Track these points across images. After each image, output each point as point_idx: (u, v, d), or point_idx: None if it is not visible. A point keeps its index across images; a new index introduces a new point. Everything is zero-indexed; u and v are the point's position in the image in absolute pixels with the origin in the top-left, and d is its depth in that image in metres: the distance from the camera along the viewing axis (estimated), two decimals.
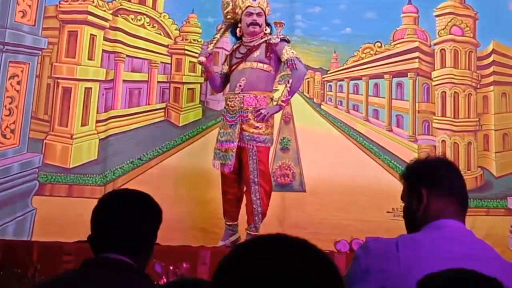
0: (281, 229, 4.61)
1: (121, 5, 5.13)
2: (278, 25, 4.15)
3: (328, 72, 5.43)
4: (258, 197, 3.89)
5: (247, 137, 3.88)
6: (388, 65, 5.41)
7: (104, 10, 5.07)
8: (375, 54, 5.41)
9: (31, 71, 4.85)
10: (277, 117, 5.24)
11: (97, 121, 4.92)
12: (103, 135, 4.90)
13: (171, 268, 3.45)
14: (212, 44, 4.13)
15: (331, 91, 5.46)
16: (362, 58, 5.41)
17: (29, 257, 3.49)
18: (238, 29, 4.05)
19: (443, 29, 5.48)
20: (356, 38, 5.37)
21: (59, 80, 4.93)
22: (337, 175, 4.97)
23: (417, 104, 5.36)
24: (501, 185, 5.24)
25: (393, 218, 4.64)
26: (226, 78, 4.14)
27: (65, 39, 4.98)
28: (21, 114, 4.78)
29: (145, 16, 5.21)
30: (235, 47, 4.09)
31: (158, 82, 5.19)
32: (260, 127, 3.90)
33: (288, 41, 4.09)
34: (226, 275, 0.88)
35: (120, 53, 5.07)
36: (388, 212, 4.76)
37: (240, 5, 4.00)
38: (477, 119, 5.38)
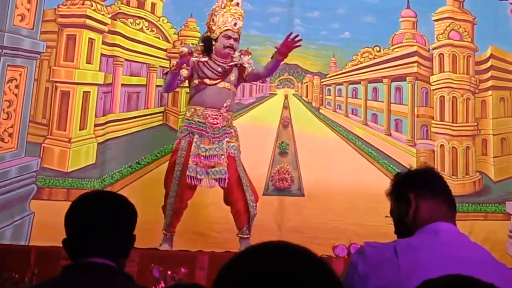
0: (279, 233, 4.61)
1: (119, 9, 5.14)
2: (246, 53, 4.35)
3: (327, 76, 5.44)
4: (253, 200, 3.97)
5: (233, 147, 4.03)
6: (387, 69, 5.42)
7: (103, 14, 5.08)
8: (374, 58, 5.41)
9: (29, 75, 4.85)
10: (276, 120, 5.26)
11: (95, 125, 4.91)
12: (101, 139, 4.90)
13: (169, 273, 3.44)
14: (195, 48, 4.13)
15: (329, 95, 5.46)
16: (361, 62, 5.42)
17: (27, 262, 3.47)
18: (213, 47, 4.08)
19: (441, 34, 5.49)
20: (355, 42, 5.38)
21: (57, 84, 4.93)
22: (336, 179, 4.97)
23: (415, 109, 5.36)
24: (499, 190, 5.23)
25: (391, 222, 4.61)
26: (184, 81, 4.16)
27: (64, 42, 4.98)
28: (19, 118, 4.77)
29: (143, 20, 5.22)
30: (203, 59, 4.07)
31: (157, 86, 5.18)
32: (237, 139, 4.10)
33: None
34: (226, 283, 0.87)
35: (119, 57, 5.07)
36: (386, 216, 4.72)
37: (219, 24, 4.06)
38: (476, 123, 5.38)
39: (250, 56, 4.35)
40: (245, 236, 3.93)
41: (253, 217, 3.96)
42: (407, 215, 1.68)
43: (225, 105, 4.03)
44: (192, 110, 4.04)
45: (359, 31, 5.36)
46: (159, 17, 5.27)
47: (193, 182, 3.91)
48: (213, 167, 3.93)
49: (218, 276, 0.89)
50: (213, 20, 4.11)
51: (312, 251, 0.91)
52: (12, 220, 4.57)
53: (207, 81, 4.04)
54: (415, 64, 5.42)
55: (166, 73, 4.13)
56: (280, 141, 5.21)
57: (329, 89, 5.46)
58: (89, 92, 4.95)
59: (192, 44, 4.43)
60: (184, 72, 4.04)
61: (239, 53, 4.22)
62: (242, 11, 4.16)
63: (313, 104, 5.44)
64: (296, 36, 3.92)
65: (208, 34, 4.12)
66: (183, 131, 4.05)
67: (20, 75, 4.82)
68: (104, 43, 5.05)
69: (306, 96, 5.44)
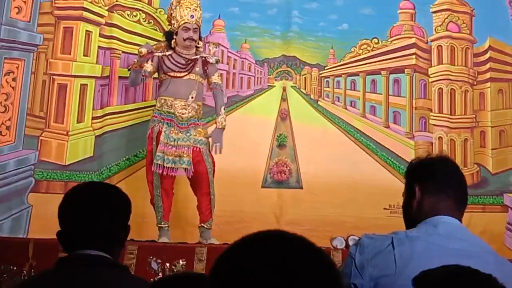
0: (277, 225, 4.61)
1: (116, 1, 5.11)
2: (213, 45, 4.54)
3: (325, 68, 5.42)
4: (214, 193, 4.19)
5: (200, 142, 4.18)
6: (385, 61, 5.41)
7: (100, 6, 5.05)
8: (372, 50, 5.40)
9: (27, 68, 4.83)
10: (274, 112, 5.25)
11: (93, 118, 4.90)
12: (99, 132, 4.89)
13: (168, 265, 3.44)
14: (157, 46, 4.30)
15: (328, 87, 5.46)
16: (359, 54, 5.41)
17: (25, 254, 3.48)
18: (173, 40, 4.26)
19: (440, 26, 5.48)
20: (353, 34, 5.37)
21: (54, 77, 4.91)
22: (334, 171, 4.97)
23: (414, 101, 5.36)
24: (497, 182, 5.24)
25: (390, 214, 4.64)
26: (148, 76, 4.34)
27: (61, 35, 4.96)
28: (16, 111, 4.76)
29: (141, 12, 5.19)
30: (167, 53, 4.25)
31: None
32: (206, 133, 4.25)
33: (218, 62, 4.47)
34: (221, 275, 0.86)
35: (116, 49, 5.05)
36: (385, 208, 4.77)
37: (177, 18, 4.24)
38: (474, 115, 5.38)
39: (216, 49, 4.60)
40: (209, 228, 4.16)
41: (213, 209, 4.22)
42: (411, 206, 1.68)
43: (191, 96, 4.19)
44: (162, 101, 4.23)
45: (357, 22, 5.35)
46: (156, 9, 5.25)
47: (158, 170, 4.06)
48: (179, 156, 4.09)
49: (214, 267, 0.88)
50: (171, 14, 4.31)
51: (309, 241, 0.90)
52: (10, 213, 4.57)
53: (171, 74, 4.23)
54: (414, 56, 5.40)
55: (129, 69, 4.29)
56: (278, 133, 5.20)
57: (327, 81, 5.45)
58: (87, 84, 4.94)
59: (155, 42, 4.54)
60: (149, 68, 4.24)
61: (208, 44, 4.43)
62: (199, 1, 4.33)
63: (312, 96, 5.43)
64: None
65: (170, 28, 4.35)
66: (154, 121, 4.22)
67: (17, 68, 4.81)
68: (101, 35, 5.02)
69: (305, 88, 5.43)
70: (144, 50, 4.07)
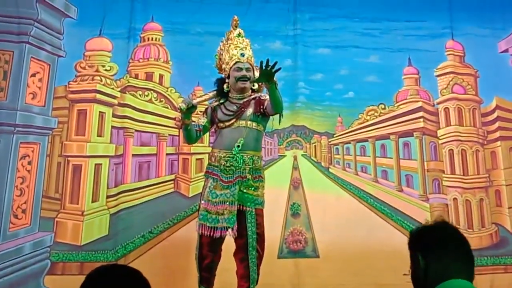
0: None
1: (128, 82, 5.28)
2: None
3: (334, 136, 5.49)
4: (254, 262, 3.69)
5: (246, 199, 3.69)
6: (393, 126, 5.46)
7: (112, 88, 5.22)
8: (380, 115, 5.48)
9: (42, 151, 4.94)
10: (286, 182, 5.26)
11: (108, 197, 4.95)
12: (114, 210, 4.92)
13: None
14: (200, 99, 3.91)
15: (338, 154, 5.49)
16: (367, 120, 5.48)
17: None
18: (225, 84, 3.88)
19: (445, 88, 5.56)
20: (360, 101, 5.46)
21: (69, 158, 5.00)
22: (350, 238, 4.91)
23: (425, 163, 5.37)
24: None
25: (409, 280, 4.53)
26: (204, 130, 3.94)
27: (75, 117, 5.09)
28: (32, 194, 4.83)
29: (152, 92, 5.35)
30: (220, 102, 3.88)
31: (167, 154, 5.25)
32: (258, 187, 3.75)
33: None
34: None
35: (129, 128, 5.17)
36: (404, 274, 4.65)
37: (227, 60, 3.86)
38: (487, 175, 5.36)
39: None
40: None
41: (254, 281, 3.71)
42: (419, 276, 1.68)
43: (236, 145, 3.71)
44: (211, 154, 3.84)
45: (362, 90, 5.45)
46: (167, 88, 5.41)
47: (202, 231, 3.63)
48: (222, 214, 3.63)
49: None
50: (220, 59, 3.94)
51: None
52: None
53: (220, 124, 3.81)
54: (421, 119, 5.47)
55: (179, 128, 3.99)
56: (292, 202, 5.20)
57: (337, 148, 5.50)
58: (101, 164, 5.02)
59: (199, 95, 4.21)
60: (202, 121, 3.88)
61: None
62: (248, 40, 3.93)
63: (322, 164, 5.47)
64: (268, 61, 3.33)
65: (221, 75, 3.93)
66: (205, 176, 3.86)
67: (32, 151, 4.91)
68: (114, 115, 5.16)
69: (315, 156, 5.48)
70: (183, 106, 3.65)
